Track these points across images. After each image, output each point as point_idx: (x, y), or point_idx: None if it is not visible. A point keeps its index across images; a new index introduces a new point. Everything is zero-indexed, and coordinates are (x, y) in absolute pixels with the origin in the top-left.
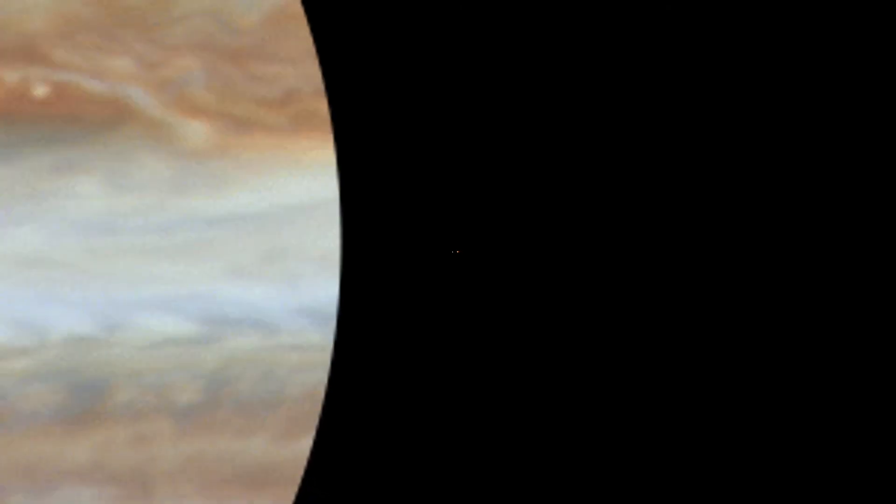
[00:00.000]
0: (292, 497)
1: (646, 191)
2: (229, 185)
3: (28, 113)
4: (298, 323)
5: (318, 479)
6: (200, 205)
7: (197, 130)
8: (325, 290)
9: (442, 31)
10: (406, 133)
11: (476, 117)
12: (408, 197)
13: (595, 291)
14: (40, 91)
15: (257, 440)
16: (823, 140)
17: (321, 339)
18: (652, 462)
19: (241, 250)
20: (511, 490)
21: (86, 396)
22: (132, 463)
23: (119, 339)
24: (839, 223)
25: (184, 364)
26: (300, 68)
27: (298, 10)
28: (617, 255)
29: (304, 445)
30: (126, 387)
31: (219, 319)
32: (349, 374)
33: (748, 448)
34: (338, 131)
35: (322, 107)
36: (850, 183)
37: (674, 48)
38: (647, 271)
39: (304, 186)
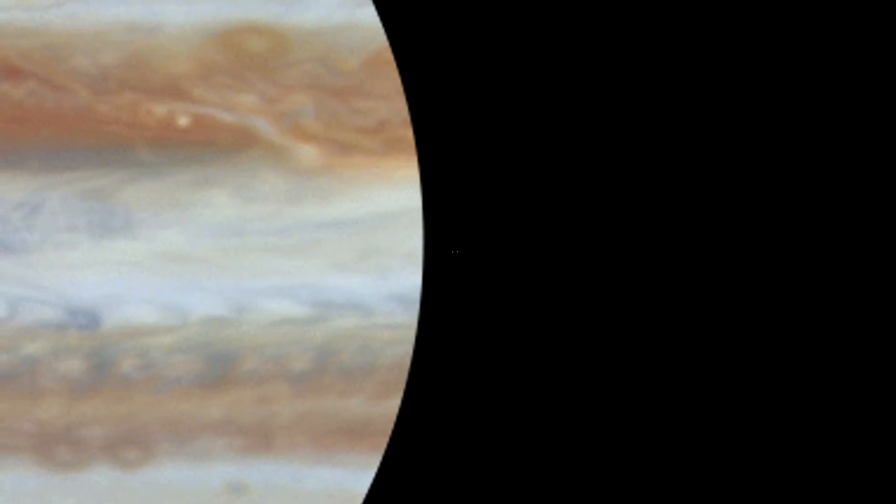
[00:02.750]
0: (384, 446)
1: (721, 193)
2: (334, 196)
3: (173, 139)
4: (389, 306)
5: (406, 433)
6: (310, 212)
7: (308, 153)
8: (410, 280)
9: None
10: (476, 155)
11: (534, 137)
12: (479, 204)
13: (668, 284)
14: (183, 121)
15: (356, 400)
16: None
17: (407, 319)
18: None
19: (342, 248)
20: (583, 459)
21: (219, 365)
22: (257, 419)
23: (246, 320)
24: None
25: (297, 339)
26: (391, 103)
27: (390, 56)
28: (691, 255)
29: (393, 404)
30: (251, 357)
31: (324, 303)
32: (431, 348)
33: (768, 449)
34: (421, 154)
35: (408, 134)
36: (851, 183)
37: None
38: (718, 271)
39: (392, 197)
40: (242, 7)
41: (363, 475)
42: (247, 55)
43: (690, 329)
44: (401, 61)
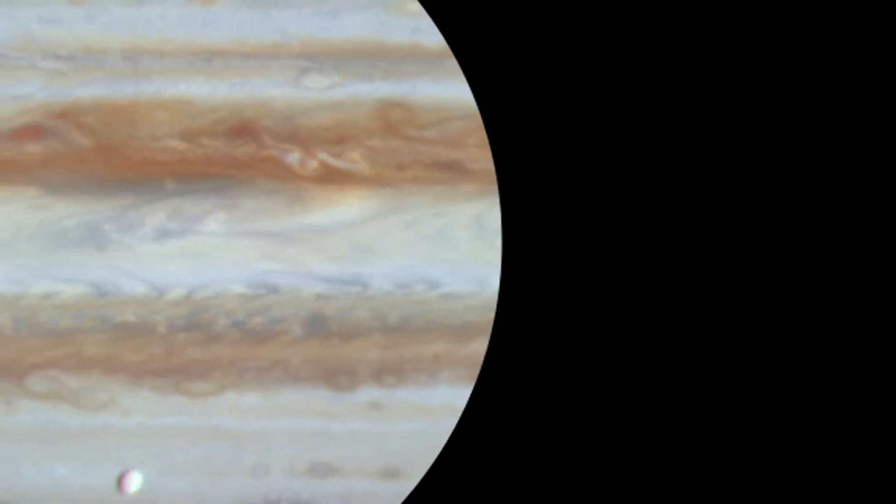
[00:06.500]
0: (476, 374)
1: (788, 190)
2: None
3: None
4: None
5: (492, 364)
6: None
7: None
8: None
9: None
10: (530, 182)
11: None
12: (538, 209)
13: (729, 278)
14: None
15: (440, 344)
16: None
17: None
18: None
19: (333, 245)
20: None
21: (315, 324)
22: (376, 358)
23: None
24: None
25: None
26: (445, 148)
27: (479, 120)
28: (756, 250)
29: (478, 345)
30: (334, 319)
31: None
32: (509, 308)
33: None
34: (500, 178)
35: (418, 173)
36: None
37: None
38: (788, 267)
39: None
40: (391, 88)
41: (462, 393)
42: (391, 121)
43: (746, 311)
44: (486, 121)
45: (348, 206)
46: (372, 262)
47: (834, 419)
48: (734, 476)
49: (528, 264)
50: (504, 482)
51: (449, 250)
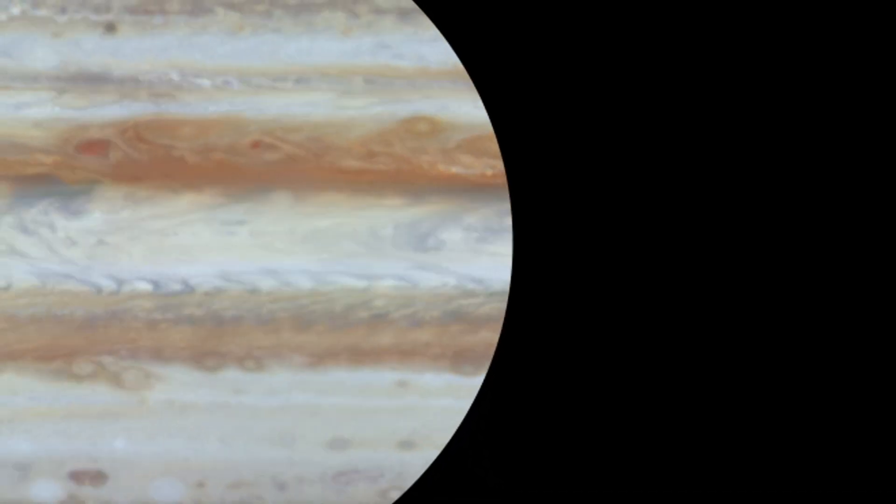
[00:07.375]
0: (489, 360)
1: (796, 189)
2: None
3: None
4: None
5: (503, 353)
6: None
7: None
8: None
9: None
10: (547, 183)
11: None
12: (552, 208)
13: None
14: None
15: (483, 333)
16: None
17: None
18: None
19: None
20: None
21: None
22: (419, 343)
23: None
24: None
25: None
26: (480, 157)
27: (492, 133)
28: (765, 249)
29: (495, 335)
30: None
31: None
32: (520, 305)
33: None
34: (511, 184)
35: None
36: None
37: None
38: (794, 266)
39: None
40: (416, 105)
41: (477, 377)
42: (419, 132)
43: (755, 304)
44: (498, 134)
45: None
46: None
47: (834, 419)
48: (742, 473)
49: (537, 257)
50: (513, 477)
51: None
